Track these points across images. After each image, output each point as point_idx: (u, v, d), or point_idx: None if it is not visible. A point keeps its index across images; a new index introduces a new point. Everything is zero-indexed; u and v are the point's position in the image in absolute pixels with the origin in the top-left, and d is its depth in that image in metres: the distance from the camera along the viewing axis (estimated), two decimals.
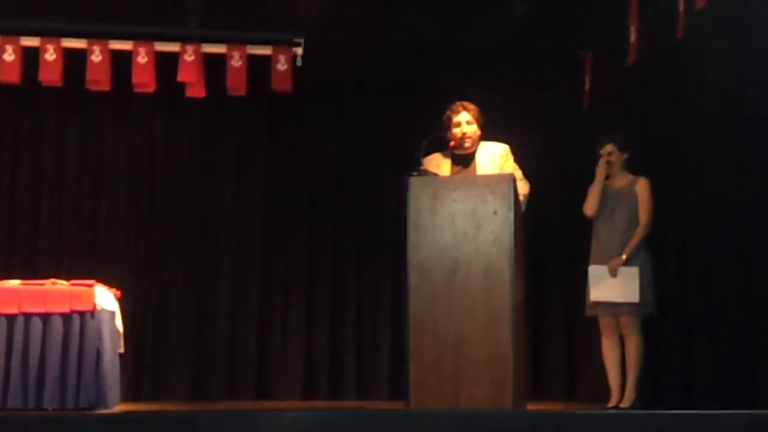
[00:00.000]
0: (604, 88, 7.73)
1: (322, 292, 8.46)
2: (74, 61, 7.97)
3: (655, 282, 6.11)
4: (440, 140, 5.69)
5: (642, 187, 6.21)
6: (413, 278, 5.03)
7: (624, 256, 6.06)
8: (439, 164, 5.66)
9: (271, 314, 8.40)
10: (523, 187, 5.56)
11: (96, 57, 7.97)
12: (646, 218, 6.15)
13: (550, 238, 8.49)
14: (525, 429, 4.03)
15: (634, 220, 6.16)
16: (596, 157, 6.36)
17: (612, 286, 6.06)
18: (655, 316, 6.15)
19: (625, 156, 6.31)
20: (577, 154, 8.20)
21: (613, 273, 6.06)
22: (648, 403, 6.06)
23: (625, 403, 6.02)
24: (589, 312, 6.30)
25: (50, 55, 7.93)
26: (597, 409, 6.05)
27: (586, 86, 8.07)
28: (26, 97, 8.30)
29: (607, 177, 6.34)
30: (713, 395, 5.58)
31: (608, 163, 6.27)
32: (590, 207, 6.29)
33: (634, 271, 6.02)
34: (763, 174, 5.26)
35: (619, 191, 6.27)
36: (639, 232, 6.12)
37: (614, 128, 6.53)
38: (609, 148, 6.29)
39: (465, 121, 5.66)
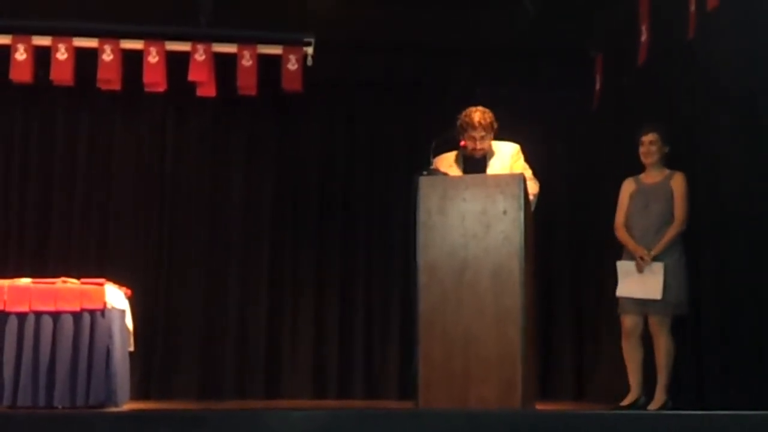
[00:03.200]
0: (614, 88, 7.71)
1: (331, 291, 8.46)
2: (85, 60, 7.99)
3: (689, 282, 5.91)
4: (450, 139, 5.69)
5: (678, 183, 6.00)
6: (423, 278, 5.04)
7: (653, 252, 5.88)
8: (451, 164, 5.66)
9: (280, 313, 8.41)
10: (532, 187, 5.56)
11: (107, 56, 7.99)
12: (682, 215, 5.94)
13: (560, 237, 8.47)
14: (534, 429, 4.02)
15: (669, 216, 5.96)
16: (626, 146, 6.20)
17: (637, 281, 5.90)
18: (686, 317, 5.96)
19: (666, 149, 6.10)
20: (587, 154, 8.20)
21: (639, 269, 5.92)
22: (676, 404, 5.94)
23: (655, 405, 5.86)
24: (619, 310, 6.11)
25: (61, 54, 7.96)
26: (606, 409, 6.02)
27: (597, 86, 8.05)
28: (37, 96, 8.33)
29: (644, 168, 6.18)
30: (727, 396, 5.56)
31: (647, 152, 6.08)
32: (619, 225, 6.20)
33: (659, 267, 5.82)
34: None
35: (654, 186, 6.08)
36: (673, 229, 5.92)
37: (658, 120, 6.31)
38: (652, 137, 6.08)
39: (479, 137, 5.65)
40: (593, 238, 7.73)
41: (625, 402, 6.01)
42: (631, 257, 6.01)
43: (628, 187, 6.23)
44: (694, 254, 6.05)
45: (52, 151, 8.44)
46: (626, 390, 6.11)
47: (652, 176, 6.14)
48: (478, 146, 5.63)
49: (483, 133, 5.64)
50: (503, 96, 7.38)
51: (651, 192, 6.08)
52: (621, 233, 6.16)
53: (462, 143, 5.67)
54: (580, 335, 8.33)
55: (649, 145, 6.10)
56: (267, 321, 8.37)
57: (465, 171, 5.65)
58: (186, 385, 8.12)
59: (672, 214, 5.97)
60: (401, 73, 8.45)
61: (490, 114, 5.66)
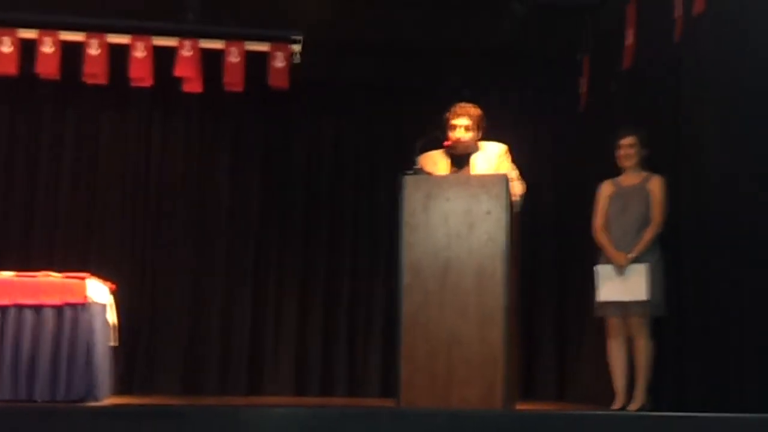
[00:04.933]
0: (601, 92, 7.73)
1: (315, 289, 8.46)
2: (71, 54, 7.95)
3: (666, 283, 5.93)
4: (435, 140, 5.70)
5: (656, 185, 6.01)
6: (406, 277, 5.05)
7: (631, 255, 5.87)
8: (436, 162, 5.65)
9: (263, 310, 8.41)
10: (518, 188, 5.56)
11: (93, 50, 7.96)
12: (659, 217, 5.94)
13: (544, 239, 8.49)
14: (515, 429, 4.03)
15: (646, 219, 5.96)
16: (608, 149, 6.18)
17: (619, 284, 5.89)
18: (664, 318, 5.97)
19: (644, 152, 6.12)
20: (573, 156, 8.22)
21: (621, 271, 5.92)
22: (660, 406, 5.95)
23: (634, 407, 5.85)
24: (597, 312, 6.10)
25: (48, 47, 7.92)
26: (588, 409, 6.03)
27: (583, 89, 8.07)
28: (23, 90, 8.29)
29: (622, 171, 6.19)
30: (706, 398, 5.58)
31: (626, 155, 6.09)
32: (597, 228, 6.21)
33: (642, 268, 5.83)
34: (758, 178, 5.27)
35: (632, 189, 6.08)
36: (650, 231, 5.92)
37: (636, 124, 6.33)
38: (630, 140, 6.10)
39: (463, 127, 5.63)
40: (577, 239, 7.73)
41: (613, 408, 5.96)
42: (610, 261, 6.02)
43: (605, 189, 6.23)
44: (676, 256, 6.07)
45: (38, 145, 8.41)
46: (609, 391, 6.12)
47: (629, 179, 6.15)
48: (463, 137, 5.62)
49: (468, 123, 5.62)
50: (490, 98, 7.40)
51: (629, 194, 6.09)
52: (600, 236, 6.16)
53: (447, 143, 5.66)
54: (562, 336, 8.34)
55: (627, 148, 6.12)
56: (250, 318, 8.36)
57: (450, 164, 5.64)
58: (168, 381, 8.11)
59: (649, 217, 5.99)
60: (389, 73, 8.45)
61: (480, 111, 5.68)
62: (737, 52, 5.55)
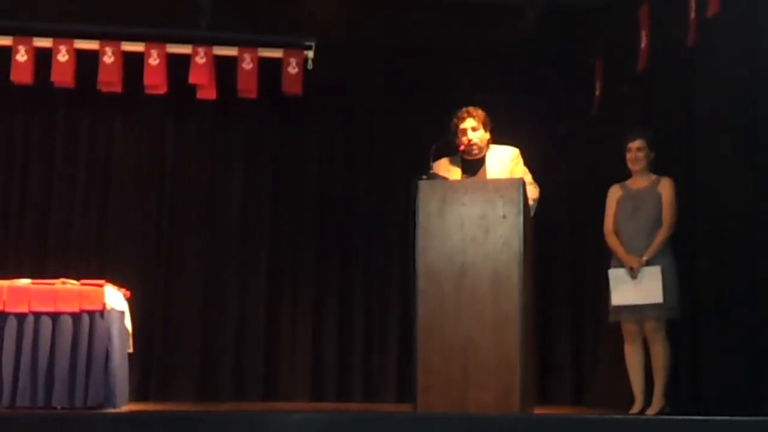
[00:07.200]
0: (614, 95, 7.72)
1: (330, 293, 8.46)
2: (86, 62, 8.00)
3: (679, 285, 5.92)
4: (450, 144, 5.71)
5: (666, 188, 6.02)
6: (421, 282, 5.04)
7: (644, 258, 5.88)
8: (449, 168, 5.67)
9: (279, 315, 8.42)
10: (532, 192, 5.56)
11: (108, 58, 8.00)
12: (670, 219, 5.95)
13: (559, 242, 8.48)
14: None
15: (657, 221, 5.97)
16: (621, 152, 6.19)
17: (633, 288, 5.89)
18: (678, 321, 5.97)
19: (653, 155, 6.14)
20: (587, 159, 8.20)
21: (634, 275, 5.92)
22: (676, 409, 5.93)
23: (653, 410, 5.84)
24: (612, 317, 6.10)
25: (62, 56, 7.96)
26: (606, 414, 6.01)
27: (596, 92, 8.07)
28: (38, 98, 8.34)
29: (631, 174, 6.21)
30: (723, 401, 5.57)
31: (635, 158, 6.11)
32: (608, 232, 6.22)
33: (656, 270, 5.82)
34: None
35: (642, 191, 6.09)
36: (662, 233, 5.93)
37: (644, 127, 6.36)
38: (639, 143, 6.11)
39: (470, 128, 5.67)
40: (592, 243, 7.71)
41: (632, 412, 5.97)
42: (622, 264, 6.02)
43: (614, 193, 6.25)
44: (691, 259, 6.07)
45: (53, 153, 8.44)
46: (625, 395, 6.11)
47: (639, 182, 6.16)
48: (474, 138, 5.64)
49: (475, 123, 5.67)
50: (503, 101, 7.40)
51: (639, 197, 6.10)
52: (611, 240, 6.17)
53: (460, 148, 5.68)
54: (578, 340, 8.32)
55: (636, 151, 6.14)
56: (266, 323, 8.37)
57: (463, 169, 5.66)
58: (185, 387, 8.11)
59: (660, 219, 5.99)
60: (401, 78, 8.45)
61: (483, 111, 5.72)
62: (750, 54, 5.55)
